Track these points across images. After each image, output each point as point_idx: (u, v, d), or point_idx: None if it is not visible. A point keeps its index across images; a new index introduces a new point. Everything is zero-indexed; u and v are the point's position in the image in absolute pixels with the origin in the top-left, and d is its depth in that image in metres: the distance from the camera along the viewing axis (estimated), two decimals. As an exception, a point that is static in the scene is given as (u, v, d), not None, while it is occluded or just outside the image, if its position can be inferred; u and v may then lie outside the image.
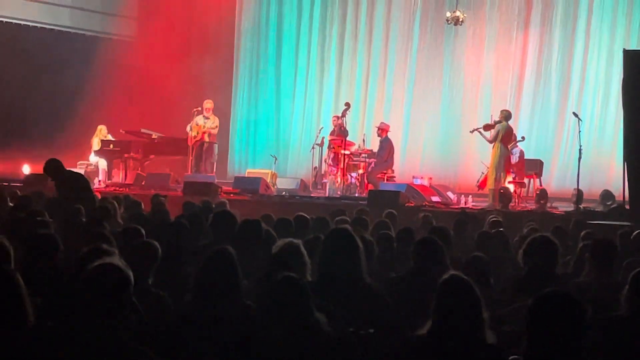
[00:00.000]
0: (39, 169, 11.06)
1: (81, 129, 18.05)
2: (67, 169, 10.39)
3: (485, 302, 3.89)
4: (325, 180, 16.72)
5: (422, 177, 16.34)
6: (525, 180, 15.71)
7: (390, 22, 20.03)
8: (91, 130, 17.95)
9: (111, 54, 19.40)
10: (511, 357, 3.70)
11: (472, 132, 15.27)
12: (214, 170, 17.64)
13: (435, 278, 4.02)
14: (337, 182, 16.09)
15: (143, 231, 6.32)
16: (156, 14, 20.12)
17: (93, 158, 17.84)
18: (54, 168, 9.86)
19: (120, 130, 17.94)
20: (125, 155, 17.32)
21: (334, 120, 16.98)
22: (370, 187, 15.52)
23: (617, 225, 10.30)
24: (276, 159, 18.20)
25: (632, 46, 16.05)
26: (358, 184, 16.11)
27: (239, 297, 4.45)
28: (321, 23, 20.77)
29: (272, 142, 20.94)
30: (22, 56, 18.36)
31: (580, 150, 13.72)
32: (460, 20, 17.03)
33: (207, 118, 17.40)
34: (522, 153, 15.53)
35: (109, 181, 16.97)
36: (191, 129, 17.24)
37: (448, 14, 17.24)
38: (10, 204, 9.39)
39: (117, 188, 15.68)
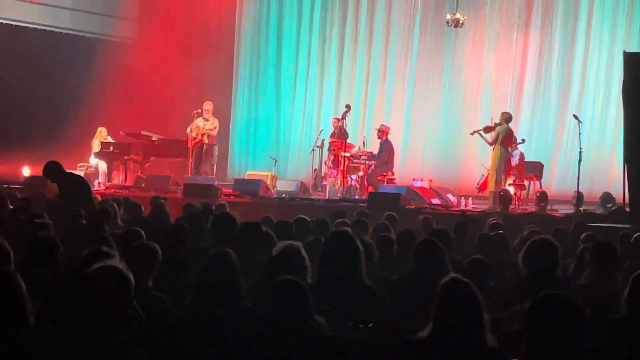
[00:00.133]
0: (39, 171, 11.04)
1: (81, 131, 18.04)
2: (67, 171, 10.37)
3: (486, 305, 3.89)
4: (325, 183, 16.71)
5: (422, 179, 16.33)
6: (526, 183, 15.72)
7: (390, 24, 20.04)
8: (91, 132, 17.95)
9: (111, 56, 19.41)
10: (511, 360, 3.70)
11: (472, 134, 15.28)
12: (214, 172, 17.64)
13: (436, 280, 4.02)
14: (337, 184, 16.09)
15: (143, 233, 6.31)
16: (156, 16, 20.14)
17: (93, 160, 17.83)
18: (53, 170, 9.86)
19: (120, 132, 17.94)
20: (125, 157, 17.31)
21: (334, 123, 16.99)
22: (371, 189, 15.52)
23: (618, 227, 10.30)
24: (276, 161, 18.20)
25: (633, 48, 16.07)
26: (358, 186, 16.11)
27: (239, 299, 4.45)
28: (321, 25, 20.78)
29: (272, 144, 20.95)
30: (23, 58, 18.38)
31: (580, 152, 13.72)
32: (461, 22, 17.04)
33: (207, 120, 17.40)
34: (522, 155, 15.53)
35: (109, 183, 16.97)
36: (191, 131, 17.24)
37: (448, 16, 17.25)
38: (11, 206, 9.38)
39: (117, 190, 15.69)
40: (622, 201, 12.89)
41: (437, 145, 19.37)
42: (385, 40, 20.09)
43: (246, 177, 17.78)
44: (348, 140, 16.44)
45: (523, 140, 15.85)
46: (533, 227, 8.94)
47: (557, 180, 17.61)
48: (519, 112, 18.01)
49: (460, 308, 3.78)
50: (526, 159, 15.69)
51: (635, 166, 12.05)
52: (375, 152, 16.43)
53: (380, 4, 20.11)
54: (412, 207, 13.73)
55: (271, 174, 17.49)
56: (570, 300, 3.50)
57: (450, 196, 15.93)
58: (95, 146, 17.66)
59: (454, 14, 17.04)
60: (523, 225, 9.75)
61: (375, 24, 20.22)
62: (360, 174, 16.23)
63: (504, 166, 14.26)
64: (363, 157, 16.36)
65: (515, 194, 14.71)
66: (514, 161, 15.15)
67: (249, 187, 15.70)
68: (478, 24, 18.83)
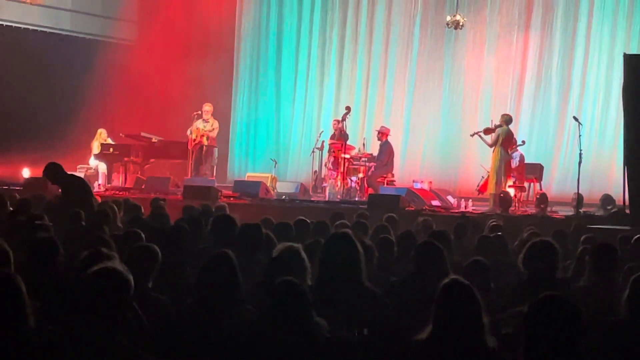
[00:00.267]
0: (39, 173, 11.04)
1: (81, 133, 18.04)
2: (67, 172, 10.35)
3: (486, 307, 3.88)
4: (325, 184, 16.71)
5: (422, 181, 16.34)
6: (526, 185, 15.73)
7: (390, 25, 20.05)
8: (91, 134, 17.94)
9: (111, 57, 19.41)
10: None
11: (472, 135, 15.29)
12: (214, 174, 17.64)
13: (436, 282, 4.01)
14: (337, 186, 16.08)
15: (143, 235, 6.31)
16: (156, 17, 20.14)
17: (93, 162, 17.83)
18: (54, 172, 9.85)
19: (120, 134, 17.94)
20: (125, 158, 17.31)
21: (335, 124, 16.99)
22: (371, 191, 15.52)
23: (618, 229, 10.30)
24: (276, 162, 18.20)
25: (633, 50, 16.09)
26: (358, 188, 16.10)
27: (239, 300, 4.44)
28: (321, 26, 20.79)
29: (272, 145, 20.95)
30: (23, 59, 18.38)
31: (580, 154, 13.71)
32: (461, 24, 17.05)
33: (206, 121, 17.39)
34: (522, 157, 15.54)
35: (109, 185, 16.97)
36: (191, 133, 17.24)
37: (448, 18, 17.25)
38: (10, 208, 9.38)
39: (117, 192, 15.67)
40: (622, 203, 12.89)
41: (437, 147, 19.38)
42: (385, 41, 20.10)
43: (246, 179, 17.77)
44: (348, 142, 16.43)
45: (523, 142, 15.87)
46: (533, 229, 8.93)
47: (557, 182, 17.61)
48: (519, 114, 18.01)
49: (460, 309, 3.78)
50: (526, 161, 15.70)
51: (635, 168, 12.06)
52: (375, 153, 16.43)
53: (380, 6, 20.12)
54: (412, 208, 13.72)
55: (271, 176, 17.48)
56: (569, 301, 3.50)
57: (450, 198, 15.93)
58: (95, 148, 17.65)
59: (454, 16, 17.05)
60: (523, 227, 9.75)
61: (376, 26, 20.23)
62: (360, 175, 16.23)
63: (504, 168, 14.26)
64: (363, 159, 16.36)
65: (515, 195, 14.71)
66: (514, 163, 15.15)
67: (249, 189, 15.70)
68: (478, 26, 18.84)
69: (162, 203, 10.71)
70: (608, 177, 16.77)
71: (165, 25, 19.83)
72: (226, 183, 18.26)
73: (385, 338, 4.49)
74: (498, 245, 7.55)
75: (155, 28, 19.85)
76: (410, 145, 19.49)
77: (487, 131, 14.69)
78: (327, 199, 15.97)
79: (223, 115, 19.54)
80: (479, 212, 13.69)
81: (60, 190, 9.96)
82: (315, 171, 17.62)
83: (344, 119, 16.49)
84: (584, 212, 13.38)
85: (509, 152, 14.65)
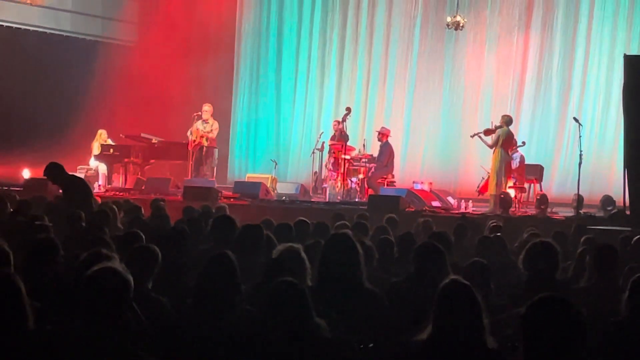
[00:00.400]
0: (39, 173, 11.05)
1: (81, 133, 18.04)
2: (68, 173, 10.35)
3: (486, 308, 3.88)
4: (325, 185, 16.71)
5: (422, 182, 16.34)
6: (526, 185, 15.73)
7: (390, 26, 20.05)
8: (91, 135, 17.94)
9: (112, 58, 19.43)
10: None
11: (472, 137, 15.29)
12: (214, 174, 17.64)
13: (436, 283, 4.01)
14: (337, 187, 16.08)
15: (143, 236, 6.31)
16: (157, 18, 20.15)
17: (93, 162, 17.83)
18: (54, 172, 9.85)
19: (121, 135, 17.94)
20: (126, 159, 17.32)
21: (335, 125, 16.98)
22: (371, 192, 15.52)
23: (618, 230, 10.29)
24: (276, 163, 18.19)
25: (633, 51, 16.08)
26: (358, 189, 16.10)
27: (239, 301, 4.44)
28: (322, 27, 20.79)
29: (272, 146, 20.95)
30: (23, 60, 18.39)
31: (580, 155, 13.71)
32: (461, 24, 17.06)
33: (206, 122, 17.38)
34: (522, 158, 15.54)
35: (109, 186, 16.97)
36: (191, 134, 17.23)
37: (448, 19, 17.27)
38: (10, 209, 9.38)
39: (117, 192, 15.68)
40: (622, 204, 12.87)
41: (437, 148, 19.38)
42: (386, 42, 20.10)
43: (246, 180, 17.78)
44: (348, 143, 16.42)
45: (523, 142, 15.87)
46: (533, 230, 8.94)
47: (558, 183, 17.61)
48: (519, 115, 18.01)
49: (460, 310, 3.77)
50: (526, 162, 15.70)
51: (635, 168, 12.05)
52: (376, 154, 16.44)
53: (380, 7, 20.13)
54: (412, 209, 13.73)
55: (271, 177, 17.49)
56: (568, 302, 3.49)
57: (450, 199, 15.93)
58: (96, 149, 17.65)
59: (454, 17, 17.07)
60: (523, 227, 9.75)
61: (376, 27, 20.23)
62: (361, 176, 16.23)
63: (504, 169, 14.25)
64: (363, 160, 16.37)
65: (515, 196, 14.71)
66: (515, 164, 15.15)
67: (249, 190, 15.69)
68: (478, 27, 18.84)
69: (162, 204, 10.70)
70: (608, 178, 16.77)
71: (166, 26, 19.83)
72: (226, 184, 18.26)
73: (385, 339, 4.49)
74: (498, 246, 7.55)
75: (155, 29, 19.85)
76: (410, 146, 19.49)
77: (487, 132, 14.69)
78: (327, 200, 15.97)
79: (223, 116, 19.54)
80: (479, 213, 13.69)
81: (60, 190, 9.96)
82: (316, 172, 17.62)
83: (344, 120, 16.48)
84: (584, 213, 13.38)
85: (509, 153, 14.65)
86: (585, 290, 5.55)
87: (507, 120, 14.49)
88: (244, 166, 21.10)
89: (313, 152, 17.38)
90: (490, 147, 14.46)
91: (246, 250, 6.01)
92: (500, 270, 6.47)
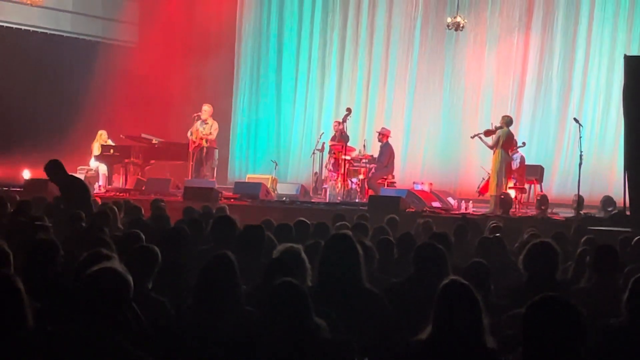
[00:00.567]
0: (40, 174, 11.04)
1: (82, 134, 18.05)
2: (67, 172, 10.33)
3: (486, 308, 3.88)
4: (325, 186, 16.72)
5: (422, 183, 16.34)
6: (526, 186, 15.73)
7: (391, 27, 20.05)
8: (92, 135, 17.95)
9: (112, 59, 19.43)
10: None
11: (472, 137, 15.28)
12: (214, 175, 17.63)
13: (436, 283, 4.01)
14: (338, 187, 16.09)
15: (143, 236, 6.31)
16: (157, 19, 20.15)
17: (93, 163, 17.83)
18: (54, 169, 9.81)
19: (121, 135, 17.95)
20: (126, 160, 17.33)
21: (335, 126, 16.98)
22: (371, 192, 15.52)
23: (618, 231, 10.29)
24: (276, 164, 18.20)
25: (633, 52, 16.07)
26: (358, 190, 16.11)
27: (239, 302, 4.44)
28: (322, 28, 20.80)
29: (273, 147, 20.96)
30: (24, 60, 18.40)
31: (581, 156, 13.70)
32: (461, 25, 17.07)
33: (205, 122, 17.35)
34: (522, 159, 15.54)
35: (109, 186, 16.98)
36: (191, 134, 17.23)
37: (449, 20, 17.28)
38: (11, 209, 9.37)
39: (117, 193, 15.68)
40: (622, 205, 12.87)
41: (437, 149, 19.38)
42: (386, 43, 20.11)
43: (246, 180, 17.78)
44: (348, 144, 16.43)
45: (524, 143, 15.86)
46: (533, 231, 8.93)
47: (558, 184, 17.62)
48: (519, 116, 18.02)
49: (460, 310, 3.77)
50: (527, 163, 15.70)
51: (636, 169, 12.04)
52: (376, 155, 16.44)
53: (380, 8, 20.13)
54: (413, 210, 13.72)
55: (272, 177, 17.49)
56: (567, 302, 3.49)
57: (450, 199, 15.93)
58: (96, 149, 17.66)
59: (455, 18, 17.08)
60: (523, 228, 9.75)
61: (376, 28, 20.24)
62: (361, 177, 16.23)
63: (504, 169, 14.25)
64: (363, 161, 16.38)
65: (515, 197, 14.71)
66: (515, 164, 15.15)
67: (250, 190, 15.69)
68: (479, 28, 18.85)
69: (163, 204, 10.71)
70: (608, 178, 16.78)
71: (166, 27, 19.84)
72: (227, 184, 18.26)
73: (385, 339, 4.48)
74: (498, 246, 7.55)
75: (155, 30, 19.86)
76: (410, 146, 19.50)
77: (488, 133, 14.69)
78: (327, 200, 15.98)
79: (224, 117, 19.55)
80: (480, 213, 13.69)
81: (58, 189, 9.93)
82: (316, 173, 17.62)
83: (344, 121, 16.48)
84: (584, 213, 13.37)
85: (510, 154, 14.65)
86: (585, 290, 5.55)
87: (508, 121, 14.49)
88: (244, 167, 21.11)
89: (313, 153, 17.38)
90: (491, 147, 14.46)
91: (247, 250, 6.01)
92: (500, 271, 6.47)
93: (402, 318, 4.77)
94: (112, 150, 17.42)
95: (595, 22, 17.98)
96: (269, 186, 16.60)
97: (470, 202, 15.07)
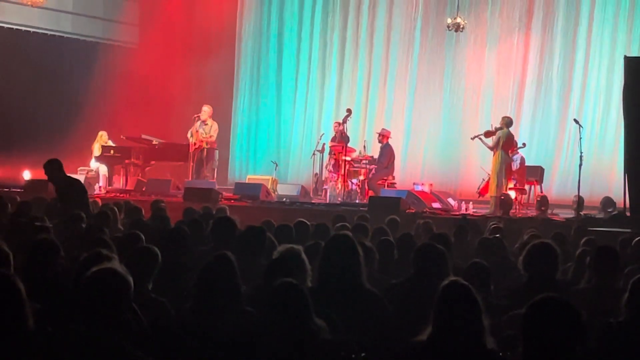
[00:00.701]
0: (40, 175, 11.03)
1: (82, 135, 18.05)
2: (65, 173, 10.31)
3: (486, 309, 3.88)
4: (325, 187, 16.71)
5: (422, 184, 16.34)
6: (526, 187, 15.73)
7: (391, 28, 20.06)
8: (92, 136, 17.95)
9: (112, 60, 19.44)
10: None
11: (473, 138, 15.27)
12: (215, 176, 17.63)
13: (436, 284, 4.01)
14: (338, 188, 16.09)
15: (143, 237, 6.31)
16: (157, 20, 20.16)
17: (94, 164, 17.83)
18: (52, 168, 9.78)
19: (121, 136, 17.95)
20: (126, 161, 17.34)
21: (335, 127, 16.98)
22: (371, 193, 15.52)
23: (618, 232, 10.29)
24: (277, 165, 18.19)
25: (633, 53, 16.07)
26: (359, 190, 16.11)
27: (239, 302, 4.44)
28: (322, 29, 20.80)
29: (273, 148, 20.96)
30: (24, 61, 18.40)
31: (581, 157, 13.70)
32: (461, 26, 17.07)
33: (205, 123, 17.35)
34: (523, 160, 15.54)
35: (110, 187, 16.98)
36: (192, 135, 17.24)
37: (449, 21, 17.28)
38: (11, 210, 9.37)
39: (118, 194, 15.68)
40: (622, 205, 12.88)
41: (437, 150, 19.38)
42: (386, 44, 20.11)
43: (247, 181, 17.78)
44: (349, 145, 16.42)
45: (524, 144, 15.85)
46: (533, 232, 8.93)
47: (558, 185, 17.62)
48: (519, 117, 18.02)
49: (460, 311, 3.77)
50: (527, 163, 15.70)
51: (636, 169, 12.06)
52: (376, 156, 16.43)
53: (381, 8, 20.13)
54: (413, 211, 13.71)
55: (272, 178, 17.49)
56: (567, 303, 3.50)
57: (450, 200, 15.92)
58: (96, 150, 17.66)
59: (455, 18, 17.08)
60: (523, 229, 9.74)
61: (376, 28, 20.24)
62: (361, 178, 16.23)
63: (504, 170, 14.25)
64: (364, 161, 16.38)
65: (516, 198, 14.71)
66: (515, 165, 15.15)
67: (250, 191, 15.69)
68: (479, 28, 18.85)
69: (163, 205, 10.71)
70: (609, 179, 16.77)
71: (166, 28, 19.86)
72: (227, 185, 18.27)
73: (386, 340, 4.49)
74: (498, 247, 7.55)
75: (156, 30, 19.87)
76: (410, 147, 19.50)
77: (488, 134, 14.69)
78: (327, 201, 15.97)
79: (224, 118, 19.55)
80: (480, 214, 13.69)
81: (55, 189, 9.90)
82: (316, 173, 17.62)
83: (344, 122, 16.48)
84: (584, 214, 13.38)
85: (510, 155, 14.65)
86: (585, 291, 5.55)
87: (508, 122, 14.49)
88: (245, 168, 21.11)
89: (313, 154, 17.38)
90: (491, 148, 14.46)
91: (247, 251, 6.01)
92: (500, 272, 6.47)
93: (402, 319, 4.77)
94: (112, 151, 17.43)
95: (595, 23, 17.98)
96: (269, 187, 16.59)
97: (471, 203, 15.06)
